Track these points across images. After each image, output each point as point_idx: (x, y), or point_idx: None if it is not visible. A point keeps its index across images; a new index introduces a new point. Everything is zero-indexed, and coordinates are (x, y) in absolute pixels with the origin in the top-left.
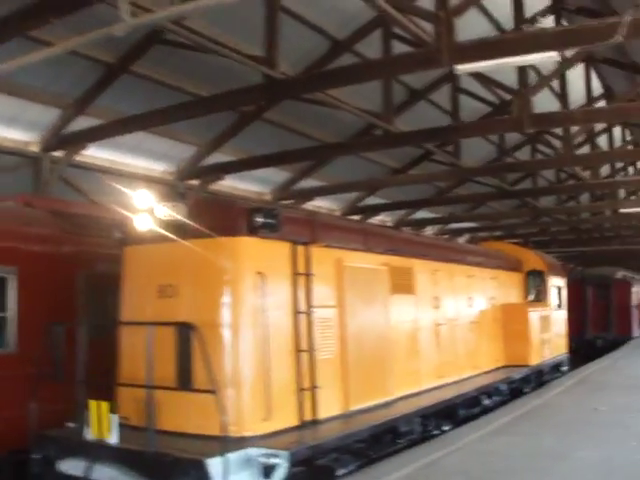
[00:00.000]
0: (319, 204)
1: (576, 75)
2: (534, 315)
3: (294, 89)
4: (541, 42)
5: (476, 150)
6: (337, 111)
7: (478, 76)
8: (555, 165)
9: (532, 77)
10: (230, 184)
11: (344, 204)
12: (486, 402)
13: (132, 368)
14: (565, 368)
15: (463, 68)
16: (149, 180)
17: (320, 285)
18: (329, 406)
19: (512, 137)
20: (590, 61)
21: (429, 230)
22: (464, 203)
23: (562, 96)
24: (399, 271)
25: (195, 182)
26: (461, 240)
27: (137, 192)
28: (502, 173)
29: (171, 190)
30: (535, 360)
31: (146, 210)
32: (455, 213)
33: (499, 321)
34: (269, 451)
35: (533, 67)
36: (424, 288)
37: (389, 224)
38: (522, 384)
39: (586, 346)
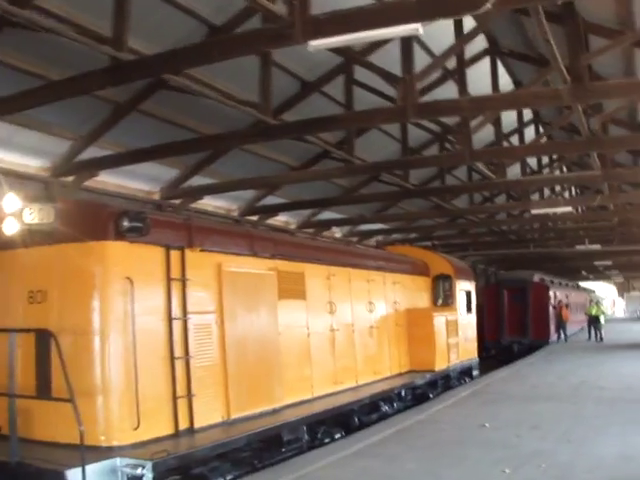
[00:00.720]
0: (218, 204)
1: (484, 71)
2: (439, 320)
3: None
4: (404, 13)
5: (379, 149)
6: (225, 106)
7: (371, 66)
8: (454, 162)
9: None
10: (116, 182)
11: (242, 204)
12: (385, 408)
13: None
14: (476, 372)
15: (317, 44)
16: (22, 177)
17: (197, 290)
18: (208, 414)
19: (420, 136)
20: (496, 54)
21: (337, 233)
22: (367, 202)
23: (462, 91)
24: (288, 276)
25: (71, 179)
26: (372, 243)
27: (3, 195)
28: (403, 171)
29: (43, 189)
30: (441, 365)
31: (14, 213)
32: (365, 214)
33: (403, 326)
34: (134, 461)
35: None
36: (317, 293)
37: (293, 226)
38: (428, 389)
39: (503, 351)
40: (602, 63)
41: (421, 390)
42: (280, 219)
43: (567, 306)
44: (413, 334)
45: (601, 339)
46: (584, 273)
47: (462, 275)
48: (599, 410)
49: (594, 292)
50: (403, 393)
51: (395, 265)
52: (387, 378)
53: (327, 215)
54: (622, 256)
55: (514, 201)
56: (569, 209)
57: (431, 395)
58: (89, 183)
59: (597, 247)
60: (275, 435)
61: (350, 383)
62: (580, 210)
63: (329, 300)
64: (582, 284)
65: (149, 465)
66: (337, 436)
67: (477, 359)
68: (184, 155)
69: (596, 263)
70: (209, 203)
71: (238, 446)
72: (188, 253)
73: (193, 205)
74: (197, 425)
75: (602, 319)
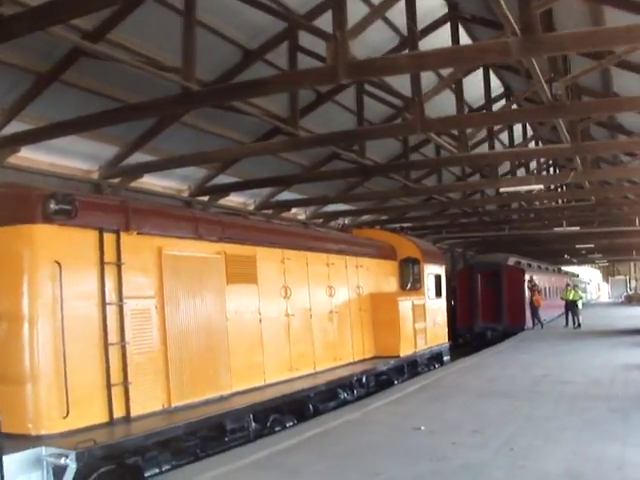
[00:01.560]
0: (166, 184)
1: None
2: (405, 304)
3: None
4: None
5: (338, 124)
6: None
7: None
8: (405, 132)
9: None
10: (49, 160)
11: (192, 184)
12: (344, 396)
13: None
14: (447, 358)
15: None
16: None
17: (135, 275)
18: (147, 402)
19: (382, 111)
20: (457, 19)
21: (301, 215)
22: (325, 180)
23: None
24: (238, 260)
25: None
26: (338, 224)
27: None
28: (359, 146)
29: None
30: (406, 351)
31: None
32: (328, 195)
33: (368, 311)
34: (58, 450)
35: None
36: (270, 277)
37: (251, 207)
38: (393, 375)
39: (476, 338)
40: (567, 19)
41: (386, 376)
42: (236, 200)
43: (539, 292)
44: (378, 319)
45: (579, 325)
46: (567, 257)
47: (431, 259)
48: (556, 410)
49: (577, 276)
50: (364, 379)
51: (358, 248)
52: (349, 364)
53: (288, 196)
54: (603, 238)
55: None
56: (540, 187)
57: (396, 381)
58: (17, 161)
59: (576, 229)
60: (218, 424)
61: (307, 370)
62: (556, 189)
63: (284, 285)
64: (566, 268)
65: (73, 455)
66: (289, 424)
67: (447, 345)
68: (108, 126)
69: (578, 246)
70: (157, 183)
71: (176, 435)
72: (124, 236)
73: (138, 185)
74: (134, 413)
75: (579, 304)
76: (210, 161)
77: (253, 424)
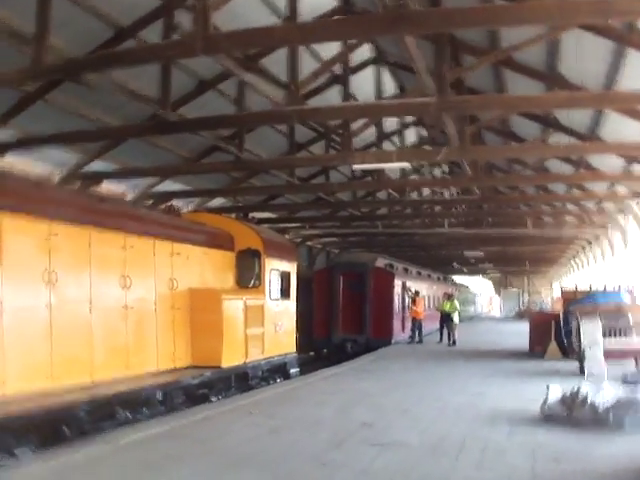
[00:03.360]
0: (33, 167)
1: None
2: (233, 304)
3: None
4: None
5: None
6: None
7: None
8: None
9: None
10: None
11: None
12: (127, 415)
13: None
14: (295, 370)
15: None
16: None
17: None
18: None
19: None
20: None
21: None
22: (206, 173)
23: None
24: None
25: None
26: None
27: None
28: None
29: None
30: (232, 360)
31: None
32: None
33: (184, 310)
34: None
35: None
36: (21, 259)
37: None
38: (212, 391)
39: (334, 350)
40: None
41: (201, 392)
42: (114, 189)
43: (414, 301)
44: (197, 320)
45: (453, 342)
46: (456, 265)
47: (276, 252)
48: None
49: (467, 287)
50: (160, 395)
51: (175, 232)
52: (148, 375)
53: (171, 187)
54: (495, 245)
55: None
56: (406, 165)
57: (214, 398)
58: None
59: (459, 230)
60: None
61: (79, 380)
62: (430, 175)
63: (46, 269)
64: (457, 279)
65: None
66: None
67: (295, 355)
68: None
69: (467, 254)
70: (21, 166)
71: None
72: None
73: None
74: None
75: (455, 317)
76: (75, 142)
77: None
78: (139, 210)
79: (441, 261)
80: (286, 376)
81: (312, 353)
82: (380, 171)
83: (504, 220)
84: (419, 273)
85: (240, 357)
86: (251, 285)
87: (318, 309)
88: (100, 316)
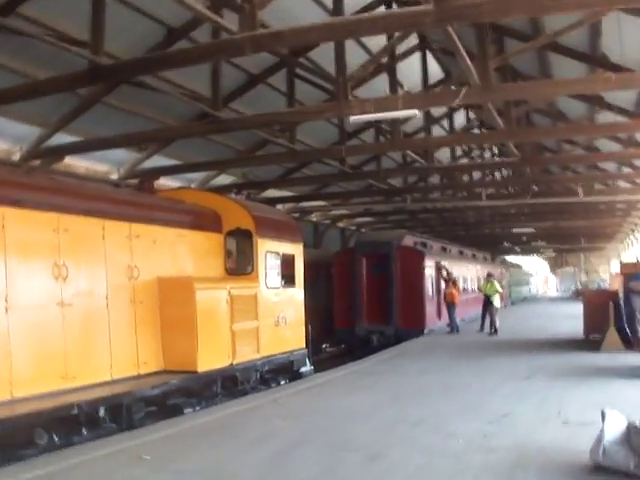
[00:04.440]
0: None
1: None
2: (211, 295)
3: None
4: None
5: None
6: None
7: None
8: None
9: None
10: None
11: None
12: (52, 438)
13: None
14: (307, 369)
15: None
16: None
17: None
18: None
19: None
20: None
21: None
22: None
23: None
24: None
25: None
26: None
27: None
28: None
29: None
30: (213, 362)
31: None
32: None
33: (148, 304)
34: None
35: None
36: None
37: None
38: (186, 401)
39: (358, 344)
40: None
41: (172, 402)
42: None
43: (454, 283)
44: (167, 316)
45: (495, 331)
46: (507, 244)
47: (273, 231)
48: None
49: (519, 267)
50: (103, 412)
51: (134, 211)
52: (94, 386)
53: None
54: (545, 219)
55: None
56: (414, 113)
57: (189, 409)
58: None
59: (502, 203)
60: None
61: None
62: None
63: None
64: (510, 259)
65: None
66: None
67: (304, 351)
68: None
69: (516, 230)
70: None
71: None
72: None
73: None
74: None
75: (496, 301)
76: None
77: None
78: (82, 185)
79: (490, 240)
80: (295, 376)
81: (326, 347)
82: (429, 155)
83: (551, 190)
84: (461, 252)
85: (225, 358)
86: (239, 271)
87: (339, 297)
88: (21, 317)
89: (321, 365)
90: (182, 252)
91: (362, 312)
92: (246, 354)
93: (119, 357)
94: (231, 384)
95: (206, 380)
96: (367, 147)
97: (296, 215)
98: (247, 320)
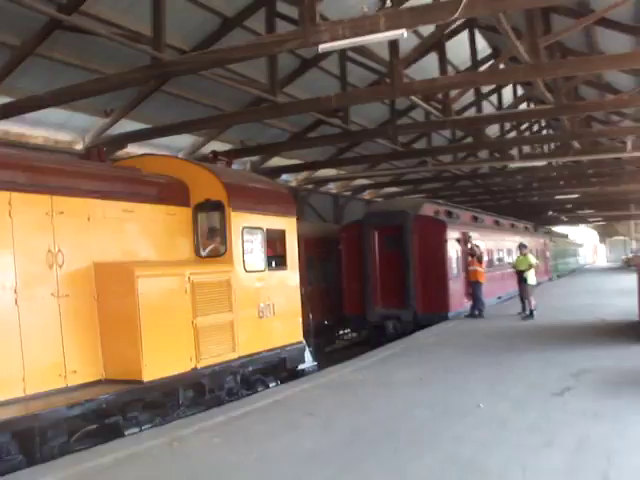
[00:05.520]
0: None
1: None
2: (160, 284)
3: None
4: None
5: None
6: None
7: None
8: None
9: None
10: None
11: None
12: None
13: None
14: (309, 366)
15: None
16: None
17: None
18: None
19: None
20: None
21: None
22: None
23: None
24: None
25: None
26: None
27: None
28: None
29: None
30: (166, 369)
31: None
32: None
33: (83, 297)
34: None
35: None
36: None
37: None
38: (129, 420)
39: (371, 332)
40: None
41: (111, 421)
42: None
43: (479, 259)
44: (106, 312)
45: (530, 313)
46: (552, 214)
47: (252, 203)
48: None
49: (565, 237)
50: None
51: (55, 180)
52: (3, 404)
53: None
54: (591, 184)
55: None
56: (400, 34)
57: (133, 430)
58: None
59: (541, 163)
60: None
61: None
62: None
63: None
64: (557, 230)
65: None
66: None
67: (301, 345)
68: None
69: (559, 197)
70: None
71: None
72: None
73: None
74: None
75: (531, 277)
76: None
77: None
78: None
79: (533, 209)
80: (291, 375)
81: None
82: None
83: (595, 146)
84: (497, 222)
85: (185, 361)
86: (210, 252)
87: (348, 278)
88: None
89: (333, 357)
90: (132, 231)
91: (374, 295)
92: (216, 354)
93: (36, 366)
94: (195, 393)
95: (156, 391)
96: (415, 125)
97: (310, 186)
98: (217, 312)
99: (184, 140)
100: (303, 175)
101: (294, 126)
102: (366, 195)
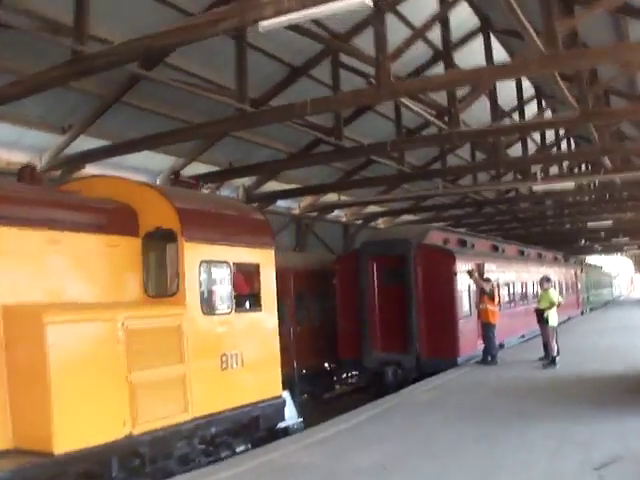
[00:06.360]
0: None
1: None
2: (79, 332)
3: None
4: None
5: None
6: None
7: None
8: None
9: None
10: None
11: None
12: None
13: None
14: (292, 423)
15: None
16: None
17: None
18: None
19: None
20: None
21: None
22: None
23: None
24: None
25: None
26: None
27: None
28: None
29: None
30: (89, 437)
31: None
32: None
33: None
34: None
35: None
36: None
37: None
38: None
39: (369, 380)
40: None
41: None
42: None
43: (491, 297)
44: (15, 365)
45: (552, 361)
46: (585, 243)
47: (213, 232)
48: None
49: (599, 267)
50: None
51: None
52: None
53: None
54: (626, 209)
55: None
56: (361, 2)
57: None
58: None
59: (570, 185)
60: None
61: None
62: None
63: None
64: (590, 260)
65: None
66: None
67: (281, 400)
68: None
69: (591, 225)
70: None
71: None
72: None
73: None
74: None
75: (552, 318)
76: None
77: None
78: None
79: (564, 238)
80: (269, 435)
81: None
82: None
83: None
84: (521, 252)
85: (116, 427)
86: (160, 291)
87: (343, 316)
88: None
89: (332, 406)
90: (59, 266)
91: (372, 337)
92: (161, 416)
93: None
94: (129, 467)
95: (74, 465)
96: (416, 140)
97: (314, 214)
98: (162, 365)
99: (162, 162)
100: (307, 201)
101: (290, 146)
102: (380, 224)
